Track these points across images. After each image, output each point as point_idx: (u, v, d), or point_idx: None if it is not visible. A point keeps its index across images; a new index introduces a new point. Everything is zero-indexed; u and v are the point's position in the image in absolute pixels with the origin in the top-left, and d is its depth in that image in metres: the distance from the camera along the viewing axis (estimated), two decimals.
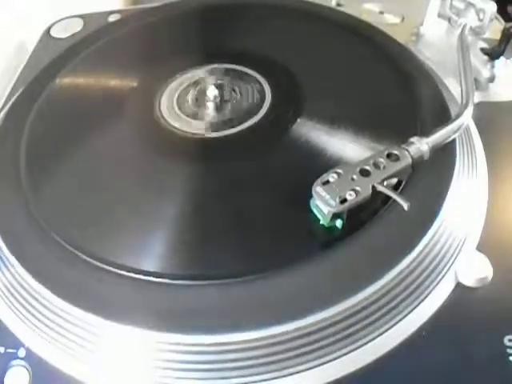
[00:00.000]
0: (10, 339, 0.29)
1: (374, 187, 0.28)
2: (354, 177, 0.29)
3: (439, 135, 0.31)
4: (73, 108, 0.40)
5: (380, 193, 0.28)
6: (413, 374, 0.26)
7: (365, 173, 0.29)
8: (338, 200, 0.28)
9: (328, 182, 0.29)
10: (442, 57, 0.41)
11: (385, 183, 0.29)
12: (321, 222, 0.29)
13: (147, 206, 0.32)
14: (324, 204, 0.28)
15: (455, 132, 0.32)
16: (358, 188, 0.28)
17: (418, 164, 0.30)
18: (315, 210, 0.29)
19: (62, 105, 0.40)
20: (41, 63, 0.45)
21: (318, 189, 0.28)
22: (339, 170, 0.29)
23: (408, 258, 0.28)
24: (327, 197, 0.28)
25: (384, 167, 0.29)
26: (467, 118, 0.32)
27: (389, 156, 0.30)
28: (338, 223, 0.28)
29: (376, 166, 0.29)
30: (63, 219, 0.32)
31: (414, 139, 0.30)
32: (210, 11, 0.47)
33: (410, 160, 0.29)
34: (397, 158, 0.29)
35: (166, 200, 0.32)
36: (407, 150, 0.30)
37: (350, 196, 0.28)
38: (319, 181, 0.29)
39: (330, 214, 0.28)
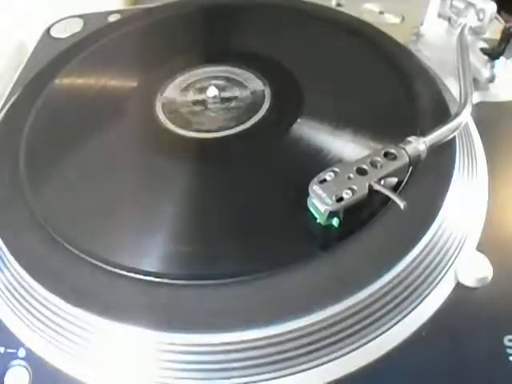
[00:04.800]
0: (9, 339, 0.29)
1: (370, 186, 0.28)
2: (351, 175, 0.29)
3: (437, 134, 0.31)
4: (72, 108, 0.40)
5: (380, 192, 0.28)
6: (413, 374, 0.26)
7: (362, 171, 0.29)
8: (334, 198, 0.28)
9: (325, 180, 0.29)
10: (441, 57, 0.41)
11: (382, 182, 0.29)
12: (317, 221, 0.29)
13: (147, 205, 0.32)
14: (320, 202, 0.28)
15: (453, 131, 0.32)
16: (354, 187, 0.28)
17: (415, 163, 0.30)
18: (312, 209, 0.29)
19: (61, 105, 0.40)
20: (41, 63, 0.45)
21: (314, 187, 0.29)
22: (336, 169, 0.29)
23: (408, 257, 0.28)
24: (324, 195, 0.28)
25: (381, 166, 0.29)
26: (465, 118, 0.32)
27: (386, 155, 0.30)
28: (335, 222, 0.28)
29: (373, 164, 0.29)
30: (63, 219, 0.32)
31: (411, 138, 0.30)
32: (209, 11, 0.47)
33: (407, 159, 0.30)
34: (394, 157, 0.30)
35: (166, 200, 0.32)
36: (404, 149, 0.30)
37: (347, 195, 0.28)
38: (316, 179, 0.29)
39: (327, 213, 0.28)
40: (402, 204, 0.27)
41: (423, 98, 0.36)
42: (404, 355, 0.26)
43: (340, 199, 0.28)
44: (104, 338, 0.27)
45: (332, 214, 0.28)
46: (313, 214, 0.29)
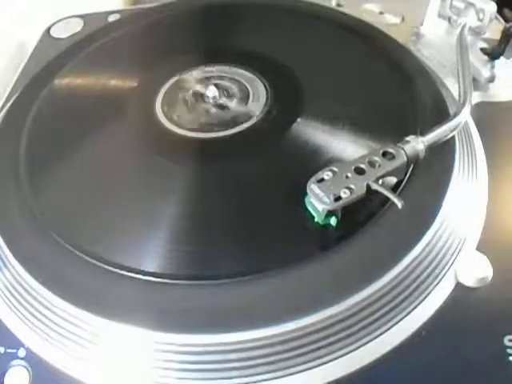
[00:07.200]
0: (10, 339, 0.29)
1: (368, 185, 0.28)
2: (349, 175, 0.29)
3: (436, 134, 0.31)
4: (72, 108, 0.40)
5: (380, 192, 0.28)
6: (413, 374, 0.26)
7: (360, 171, 0.29)
8: (332, 198, 0.28)
9: (323, 179, 0.29)
10: (441, 57, 0.41)
11: (380, 182, 0.29)
12: (315, 220, 0.29)
13: (147, 205, 0.32)
14: (318, 201, 0.28)
15: (452, 131, 0.32)
16: (352, 186, 0.28)
17: (414, 163, 0.30)
18: (310, 208, 0.29)
19: (61, 104, 0.40)
20: (41, 63, 0.45)
21: (312, 186, 0.29)
22: (334, 168, 0.29)
23: (408, 257, 0.28)
24: (321, 194, 0.28)
25: (379, 166, 0.29)
26: (464, 117, 0.32)
27: (384, 154, 0.30)
28: (333, 221, 0.28)
29: (371, 164, 0.29)
30: (63, 219, 0.32)
31: (409, 138, 0.30)
32: (209, 11, 0.47)
33: (405, 158, 0.30)
34: (392, 157, 0.30)
35: (166, 200, 0.32)
36: (402, 149, 0.30)
37: (345, 194, 0.28)
38: (314, 178, 0.29)
39: (325, 212, 0.28)
40: (399, 204, 0.27)
41: (423, 98, 0.36)
42: (404, 355, 0.26)
43: (338, 198, 0.28)
44: (104, 338, 0.27)
45: (330, 214, 0.28)
46: (311, 214, 0.29)
